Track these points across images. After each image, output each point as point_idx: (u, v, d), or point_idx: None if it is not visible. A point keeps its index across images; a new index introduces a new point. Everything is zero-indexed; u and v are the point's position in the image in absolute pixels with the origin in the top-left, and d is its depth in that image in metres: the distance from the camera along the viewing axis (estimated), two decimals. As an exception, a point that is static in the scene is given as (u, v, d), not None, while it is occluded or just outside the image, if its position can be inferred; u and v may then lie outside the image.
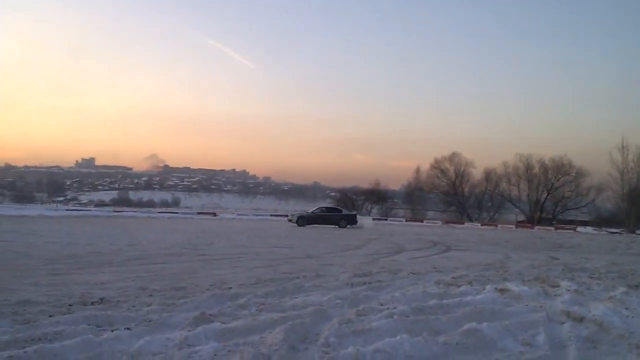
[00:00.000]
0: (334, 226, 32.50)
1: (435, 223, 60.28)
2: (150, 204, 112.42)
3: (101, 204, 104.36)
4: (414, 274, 9.22)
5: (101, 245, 13.02)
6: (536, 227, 53.79)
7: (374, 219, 47.53)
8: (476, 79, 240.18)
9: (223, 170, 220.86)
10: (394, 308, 5.69)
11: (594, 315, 5.99)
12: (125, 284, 6.82)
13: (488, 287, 7.47)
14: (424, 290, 6.90)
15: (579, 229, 52.15)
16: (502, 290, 7.35)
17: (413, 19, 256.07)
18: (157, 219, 37.87)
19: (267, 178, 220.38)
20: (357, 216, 36.52)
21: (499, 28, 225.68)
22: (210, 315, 4.87)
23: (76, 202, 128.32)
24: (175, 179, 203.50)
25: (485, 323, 4.95)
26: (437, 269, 10.10)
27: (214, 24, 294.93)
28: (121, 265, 9.19)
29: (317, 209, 37.15)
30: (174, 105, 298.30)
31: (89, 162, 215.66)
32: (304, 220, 33.12)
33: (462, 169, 74.16)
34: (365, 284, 7.64)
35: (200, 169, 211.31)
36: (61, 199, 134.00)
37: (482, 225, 58.66)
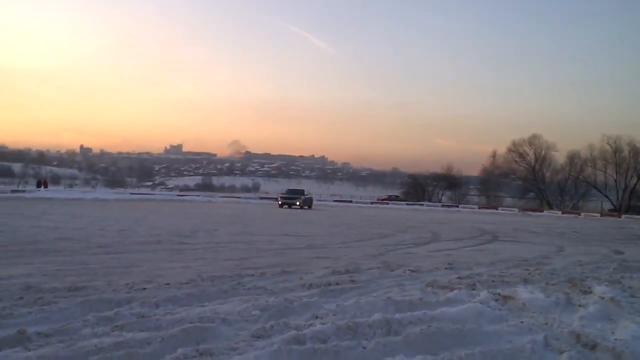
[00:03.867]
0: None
1: (511, 210, 56.77)
2: (231, 189, 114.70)
3: (186, 188, 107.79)
4: (413, 271, 7.53)
5: (89, 230, 12.09)
6: (623, 216, 49.01)
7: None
8: (560, 56, 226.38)
9: (302, 156, 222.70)
10: (315, 325, 4.13)
11: (616, 339, 4.23)
12: (18, 280, 5.68)
13: (484, 293, 5.68)
14: (387, 297, 5.23)
15: (676, 218, 46.94)
16: (506, 298, 5.56)
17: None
18: (207, 204, 37.57)
19: (345, 164, 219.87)
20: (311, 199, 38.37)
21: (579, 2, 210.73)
22: (27, 335, 3.56)
23: (163, 186, 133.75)
24: (255, 164, 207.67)
25: (440, 355, 3.37)
26: (451, 265, 8.33)
27: (294, 11, 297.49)
28: (61, 254, 8.07)
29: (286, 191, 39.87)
30: (255, 93, 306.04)
31: (176, 149, 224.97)
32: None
33: (543, 152, 68.87)
34: (332, 284, 6.11)
35: (280, 155, 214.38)
36: (149, 183, 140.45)
37: (562, 213, 54.33)
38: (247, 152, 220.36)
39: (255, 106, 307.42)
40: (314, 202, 38.89)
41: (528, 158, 69.81)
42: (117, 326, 3.97)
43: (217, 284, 5.82)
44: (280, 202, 36.30)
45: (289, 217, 22.35)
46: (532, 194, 70.74)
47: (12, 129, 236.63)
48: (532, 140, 69.39)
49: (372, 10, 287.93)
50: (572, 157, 66.74)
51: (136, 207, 26.28)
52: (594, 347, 4.06)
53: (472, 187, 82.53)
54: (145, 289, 5.45)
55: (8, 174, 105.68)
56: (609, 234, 20.24)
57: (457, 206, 61.05)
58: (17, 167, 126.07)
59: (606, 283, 6.76)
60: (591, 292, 6.17)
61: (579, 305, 5.46)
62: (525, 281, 7.01)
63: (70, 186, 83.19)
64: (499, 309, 5.15)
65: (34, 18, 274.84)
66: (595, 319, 4.85)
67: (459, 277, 7.04)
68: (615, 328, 4.53)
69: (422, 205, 60.03)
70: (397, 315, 4.50)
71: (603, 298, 5.80)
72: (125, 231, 11.98)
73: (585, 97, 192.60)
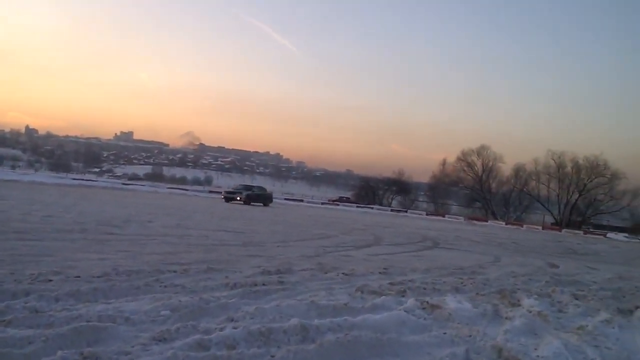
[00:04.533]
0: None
1: (457, 219, 57.88)
2: (182, 181, 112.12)
3: (135, 177, 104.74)
4: (346, 274, 7.32)
5: (11, 214, 11.25)
6: (564, 230, 50.72)
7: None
8: (510, 71, 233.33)
9: (257, 152, 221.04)
10: (225, 329, 3.84)
11: (537, 355, 4.14)
12: None
13: (411, 300, 5.51)
14: (311, 301, 4.98)
15: (610, 235, 48.91)
16: (433, 307, 5.41)
17: (445, 7, 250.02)
18: (152, 194, 36.52)
19: (300, 162, 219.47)
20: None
21: (532, 20, 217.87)
22: None
23: (111, 174, 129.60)
24: (209, 157, 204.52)
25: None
26: (386, 270, 8.18)
27: (260, 6, 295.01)
28: None
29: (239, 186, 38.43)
30: (212, 85, 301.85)
31: (127, 136, 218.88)
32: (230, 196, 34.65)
33: (490, 163, 70.79)
34: (258, 285, 5.84)
35: (234, 149, 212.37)
36: (97, 170, 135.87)
37: (506, 224, 55.86)
38: (200, 144, 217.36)
39: (212, 98, 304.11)
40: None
41: (476, 168, 71.55)
42: (3, 321, 3.56)
43: (132, 280, 5.43)
44: (224, 197, 35.63)
45: (232, 213, 21.82)
46: (478, 204, 72.39)
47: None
48: (481, 151, 71.20)
49: (337, 11, 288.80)
50: (518, 170, 68.85)
51: (73, 193, 25.17)
52: (513, 363, 3.97)
53: (422, 193, 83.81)
54: (50, 280, 5.02)
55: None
56: (547, 247, 20.73)
57: (406, 211, 61.73)
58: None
59: (535, 296, 6.73)
60: (519, 305, 6.12)
61: (506, 318, 5.38)
62: (457, 290, 6.92)
63: (13, 167, 79.69)
64: (424, 318, 5.00)
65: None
66: (520, 333, 4.76)
67: (391, 283, 6.88)
68: (538, 343, 4.44)
69: (372, 208, 60.47)
70: (316, 321, 4.26)
71: (530, 312, 5.75)
72: (51, 217, 11.27)
73: (533, 112, 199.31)
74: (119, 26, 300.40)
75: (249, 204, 33.08)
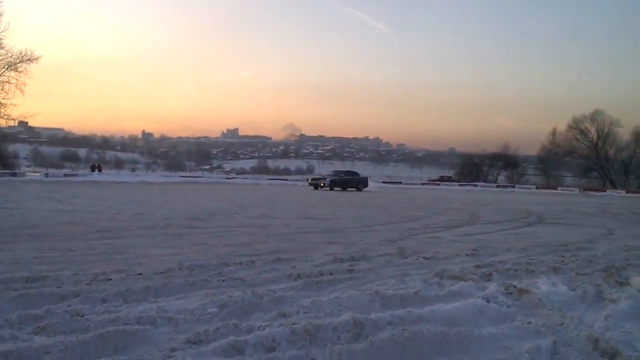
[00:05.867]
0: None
1: (571, 190, 53.97)
2: (286, 171, 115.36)
3: (242, 171, 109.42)
4: (427, 258, 6.74)
5: (103, 214, 11.69)
6: (696, 195, 45.55)
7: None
8: (620, 27, 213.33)
9: (356, 138, 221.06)
10: (270, 327, 3.47)
11: None
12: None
13: (493, 285, 4.84)
14: (375, 291, 4.49)
15: None
16: (521, 292, 4.74)
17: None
18: (252, 187, 37.27)
19: (400, 145, 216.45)
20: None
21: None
22: None
23: (220, 170, 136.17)
24: (310, 147, 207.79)
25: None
26: (475, 252, 7.47)
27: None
28: (52, 240, 7.56)
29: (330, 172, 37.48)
30: (309, 75, 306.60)
31: (233, 133, 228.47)
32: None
33: (606, 129, 64.79)
34: (324, 274, 5.44)
35: (334, 137, 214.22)
36: (207, 167, 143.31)
37: (626, 192, 51.10)
38: (301, 134, 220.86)
39: (309, 89, 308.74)
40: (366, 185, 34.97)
41: (590, 135, 66.01)
42: (38, 327, 3.43)
43: (193, 275, 5.25)
44: (309, 184, 35.15)
45: (322, 200, 21.61)
46: (595, 173, 66.97)
47: (78, 115, 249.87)
48: (595, 116, 65.44)
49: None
50: (638, 134, 62.54)
51: (175, 191, 26.24)
52: (612, 356, 3.26)
53: (532, 166, 79.09)
54: (110, 280, 4.94)
55: (75, 158, 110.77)
56: (673, 215, 18.53)
57: (514, 186, 58.52)
58: (82, 152, 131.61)
59: (650, 270, 5.77)
60: (628, 284, 5.23)
61: (610, 300, 4.59)
62: (554, 270, 6.11)
63: (133, 170, 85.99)
64: (508, 306, 4.36)
65: (96, 6, 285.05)
66: (624, 319, 4.04)
67: (477, 266, 6.21)
68: None
69: (476, 185, 57.93)
70: (373, 315, 3.77)
71: (641, 290, 4.88)
72: (141, 215, 11.62)
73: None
74: (218, 31, 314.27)
75: (332, 189, 32.23)
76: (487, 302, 4.36)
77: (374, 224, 11.51)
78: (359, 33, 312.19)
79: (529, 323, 3.85)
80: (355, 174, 36.46)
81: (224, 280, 5.00)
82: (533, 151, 78.31)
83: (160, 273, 5.28)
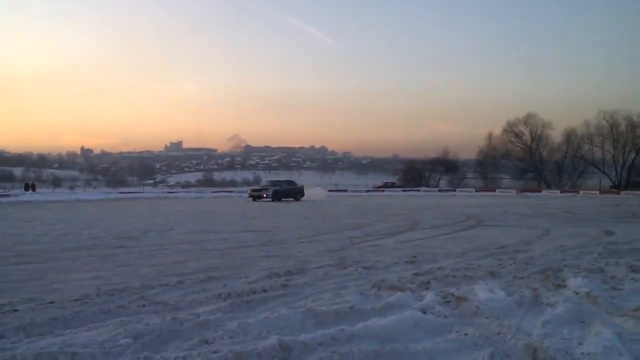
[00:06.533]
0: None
1: (508, 192, 55.82)
2: (232, 183, 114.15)
3: (187, 184, 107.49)
4: (366, 268, 6.57)
5: (27, 235, 10.97)
6: (622, 193, 47.95)
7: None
8: (551, 31, 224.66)
9: (302, 147, 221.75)
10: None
11: (582, 353, 3.36)
12: None
13: (430, 295, 4.68)
14: (308, 308, 4.22)
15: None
16: (458, 300, 4.60)
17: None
18: (194, 200, 36.46)
19: (346, 153, 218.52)
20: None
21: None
22: None
23: (164, 184, 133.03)
24: (256, 158, 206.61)
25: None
26: (415, 259, 7.36)
27: (292, 2, 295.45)
28: None
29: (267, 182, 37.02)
30: (254, 86, 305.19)
31: (176, 146, 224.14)
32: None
33: (539, 131, 67.83)
34: (257, 292, 5.15)
35: (280, 147, 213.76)
36: (150, 181, 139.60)
37: (561, 192, 53.35)
38: (247, 145, 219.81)
39: (254, 99, 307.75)
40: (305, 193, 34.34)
41: (524, 138, 68.85)
42: None
43: (111, 301, 4.81)
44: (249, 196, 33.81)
45: (264, 212, 21.21)
46: (530, 175, 69.65)
47: (13, 133, 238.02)
48: (528, 120, 68.42)
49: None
50: (569, 135, 65.75)
51: (110, 207, 25.22)
52: (551, 367, 3.14)
53: (470, 170, 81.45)
54: (16, 310, 4.45)
55: (10, 178, 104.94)
56: (604, 213, 19.24)
57: (454, 190, 60.02)
58: (18, 171, 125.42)
59: (584, 273, 5.78)
60: (565, 286, 5.20)
61: (547, 305, 4.52)
62: (492, 275, 6.06)
63: (71, 187, 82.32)
64: (445, 316, 4.20)
65: (30, 20, 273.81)
66: (562, 324, 3.96)
67: (415, 274, 6.07)
68: (585, 335, 3.64)
69: (419, 191, 59.03)
70: (302, 337, 3.51)
71: (577, 293, 4.88)
72: (66, 235, 10.88)
73: (580, 72, 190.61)
74: (159, 41, 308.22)
75: (277, 200, 31.46)
76: (424, 313, 4.19)
77: (316, 234, 11.26)
78: (303, 43, 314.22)
79: (466, 334, 3.70)
80: (293, 183, 35.76)
81: (144, 306, 4.60)
82: (472, 155, 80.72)
83: (75, 300, 4.82)
